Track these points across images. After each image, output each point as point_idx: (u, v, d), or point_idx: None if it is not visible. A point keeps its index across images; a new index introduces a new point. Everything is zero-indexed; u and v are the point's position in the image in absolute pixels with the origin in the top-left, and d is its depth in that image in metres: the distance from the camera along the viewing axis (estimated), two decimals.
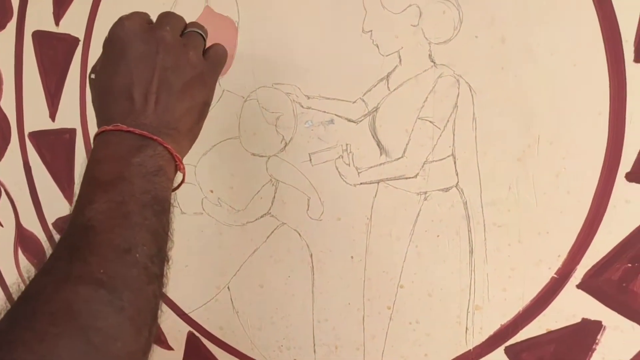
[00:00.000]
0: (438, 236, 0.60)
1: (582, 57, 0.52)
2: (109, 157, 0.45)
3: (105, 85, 0.49)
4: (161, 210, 0.45)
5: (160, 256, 0.43)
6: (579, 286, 0.55)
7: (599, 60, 0.52)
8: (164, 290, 0.43)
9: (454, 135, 0.58)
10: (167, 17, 0.52)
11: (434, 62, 0.58)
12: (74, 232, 0.41)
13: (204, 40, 0.54)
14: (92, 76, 0.50)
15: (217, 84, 0.67)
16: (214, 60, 0.54)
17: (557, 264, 0.55)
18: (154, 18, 0.53)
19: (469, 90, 0.57)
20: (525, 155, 0.55)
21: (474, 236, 0.58)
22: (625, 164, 0.52)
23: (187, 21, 0.67)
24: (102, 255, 0.39)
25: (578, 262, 0.54)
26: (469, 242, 0.59)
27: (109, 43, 0.50)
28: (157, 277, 0.42)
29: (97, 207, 0.41)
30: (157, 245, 0.43)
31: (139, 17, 0.50)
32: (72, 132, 0.76)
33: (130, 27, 0.49)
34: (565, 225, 0.55)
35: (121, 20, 0.50)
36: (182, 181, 0.50)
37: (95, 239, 0.40)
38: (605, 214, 0.53)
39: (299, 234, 0.66)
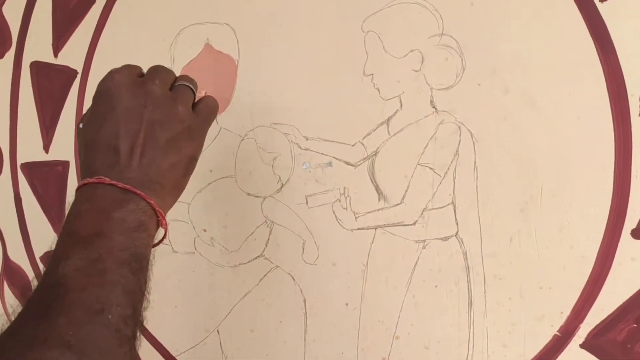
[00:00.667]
0: (436, 286, 0.58)
1: (586, 110, 0.51)
2: (89, 211, 0.43)
3: (91, 137, 0.48)
4: (139, 268, 0.43)
5: (134, 317, 0.41)
6: (582, 345, 0.52)
7: (604, 113, 0.51)
8: (136, 351, 0.41)
9: (454, 183, 0.57)
10: (157, 72, 0.51)
11: (436, 108, 0.57)
12: (45, 289, 0.39)
13: (194, 93, 0.53)
14: (81, 126, 0.50)
15: (215, 121, 0.66)
16: (204, 113, 0.53)
17: (560, 321, 0.53)
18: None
19: (471, 138, 0.56)
20: (527, 207, 0.54)
21: (474, 288, 0.56)
22: (631, 220, 0.50)
23: (189, 57, 0.67)
24: (72, 316, 0.37)
25: (582, 320, 0.52)
26: (469, 294, 0.57)
27: (98, 95, 0.49)
28: (130, 339, 0.40)
29: (71, 263, 0.40)
30: (132, 305, 0.41)
31: (129, 71, 0.50)
32: (65, 164, 0.75)
33: (120, 80, 0.48)
34: (569, 280, 0.53)
35: (111, 73, 0.49)
36: (164, 237, 0.48)
37: (66, 297, 0.38)
38: (610, 271, 0.51)
39: (293, 278, 0.64)
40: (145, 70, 0.52)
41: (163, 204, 0.47)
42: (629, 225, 0.50)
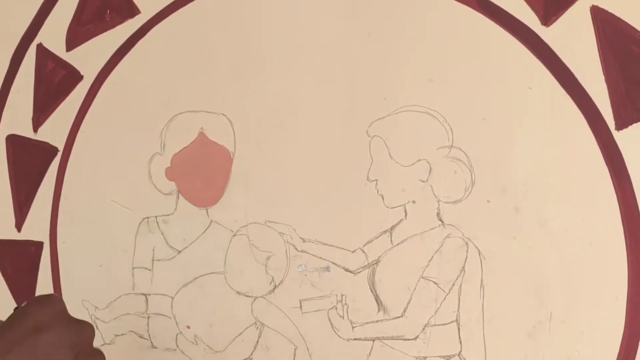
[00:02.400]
0: None
1: (599, 237, 0.50)
2: None
3: None
4: None
5: None
6: None
7: (618, 241, 0.49)
8: None
9: (459, 300, 0.54)
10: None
11: (442, 221, 0.55)
12: None
13: None
14: None
15: (205, 213, 0.63)
16: None
17: None
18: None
19: (478, 255, 0.54)
20: (535, 331, 0.52)
21: None
22: None
23: (181, 145, 0.63)
24: None
25: None
26: None
27: None
28: None
29: None
30: None
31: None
32: (39, 245, 0.70)
33: None
34: None
35: None
36: None
37: None
38: None
39: None
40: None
41: None
42: None
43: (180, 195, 0.64)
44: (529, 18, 0.51)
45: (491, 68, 0.53)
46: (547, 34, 0.51)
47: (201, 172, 0.63)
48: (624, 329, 0.49)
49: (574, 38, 0.50)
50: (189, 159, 0.63)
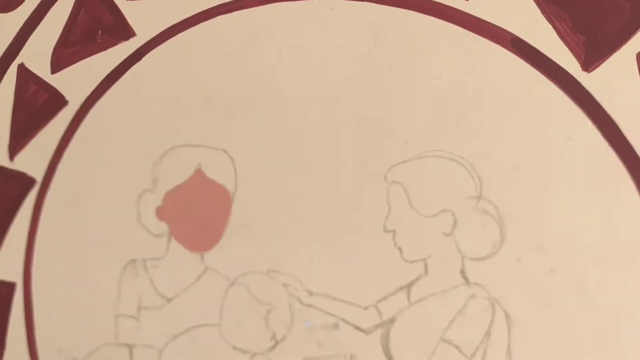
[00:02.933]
0: None
1: None
2: None
3: None
4: None
5: None
6: None
7: None
8: None
9: None
10: None
11: (466, 279, 0.50)
12: None
13: None
14: None
15: (200, 258, 0.58)
16: None
17: None
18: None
19: (505, 319, 0.49)
20: None
21: None
22: None
23: (175, 182, 0.58)
24: None
25: None
26: None
27: None
28: None
29: None
30: None
31: None
32: (10, 287, 0.63)
33: None
34: None
35: None
36: None
37: None
38: None
39: None
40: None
41: None
42: None
43: (172, 238, 0.58)
44: (569, 62, 0.47)
45: (525, 114, 0.49)
46: (589, 80, 0.47)
47: (196, 213, 0.58)
48: None
49: (618, 86, 0.46)
50: (184, 198, 0.58)
